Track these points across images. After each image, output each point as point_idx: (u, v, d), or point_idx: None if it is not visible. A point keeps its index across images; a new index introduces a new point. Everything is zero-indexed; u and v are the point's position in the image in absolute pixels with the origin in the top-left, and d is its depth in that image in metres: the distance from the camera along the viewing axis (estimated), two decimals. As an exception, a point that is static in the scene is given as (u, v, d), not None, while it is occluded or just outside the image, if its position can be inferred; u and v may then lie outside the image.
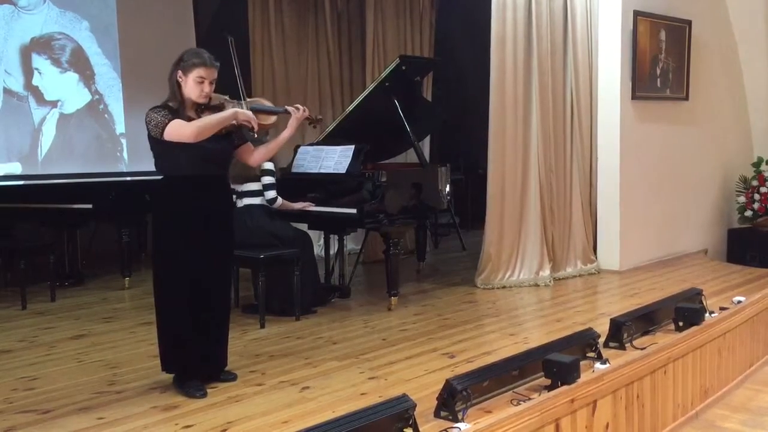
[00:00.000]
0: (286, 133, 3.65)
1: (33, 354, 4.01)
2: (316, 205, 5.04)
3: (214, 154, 3.34)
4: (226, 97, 3.48)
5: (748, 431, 3.59)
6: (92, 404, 3.22)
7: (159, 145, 3.27)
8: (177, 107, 3.28)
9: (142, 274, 6.09)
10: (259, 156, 3.68)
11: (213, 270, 3.41)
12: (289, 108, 3.68)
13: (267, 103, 3.72)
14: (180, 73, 3.28)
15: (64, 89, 6.19)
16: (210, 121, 3.28)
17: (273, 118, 3.64)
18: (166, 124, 3.20)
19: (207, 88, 3.31)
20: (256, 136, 3.51)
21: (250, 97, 3.60)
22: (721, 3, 7.05)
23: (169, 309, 3.36)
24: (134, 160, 6.37)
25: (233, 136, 3.49)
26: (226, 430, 2.92)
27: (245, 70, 6.63)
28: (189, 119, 3.29)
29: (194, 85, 3.28)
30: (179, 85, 3.29)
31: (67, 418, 3.07)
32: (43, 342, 4.26)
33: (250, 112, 3.41)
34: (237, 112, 3.36)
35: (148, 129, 3.26)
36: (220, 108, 3.41)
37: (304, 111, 3.69)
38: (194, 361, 3.36)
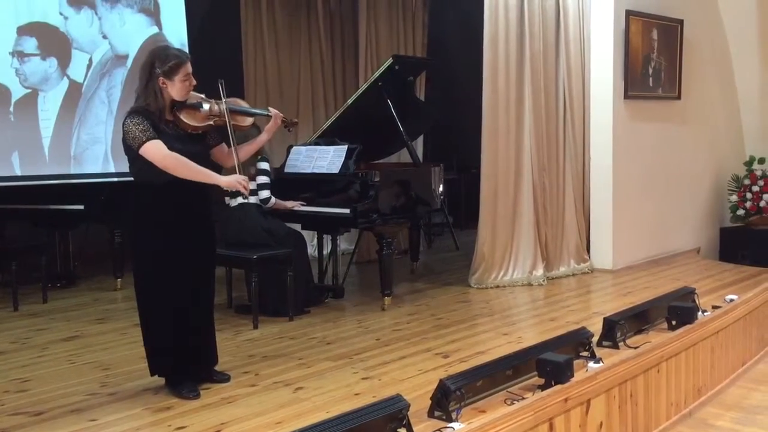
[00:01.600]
0: (264, 137, 3.65)
1: (25, 356, 3.99)
2: (310, 205, 5.04)
3: (192, 158, 3.26)
4: (203, 96, 3.42)
5: (741, 429, 3.60)
6: (84, 406, 3.21)
7: (134, 152, 3.19)
8: (156, 110, 3.22)
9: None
10: (234, 158, 3.60)
11: (194, 272, 3.35)
12: (272, 110, 3.66)
13: (244, 104, 3.68)
14: (162, 79, 3.20)
15: (55, 89, 6.14)
16: (192, 168, 3.21)
17: (250, 120, 3.61)
18: (143, 143, 3.13)
19: (193, 81, 3.29)
20: (248, 198, 3.46)
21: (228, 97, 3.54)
22: (712, 2, 7.08)
23: (152, 313, 3.33)
24: (120, 161, 6.31)
25: (209, 137, 3.45)
26: (219, 431, 2.91)
27: (238, 72, 6.66)
28: (168, 122, 3.25)
29: (182, 86, 3.24)
30: (161, 90, 3.23)
31: (60, 419, 3.05)
32: (36, 343, 4.24)
33: (234, 180, 3.35)
34: (221, 180, 3.33)
35: (124, 136, 3.19)
36: (197, 107, 3.35)
37: (278, 114, 3.67)
38: (181, 363, 3.35)
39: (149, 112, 3.20)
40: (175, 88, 3.23)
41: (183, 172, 3.20)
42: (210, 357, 3.53)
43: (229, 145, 3.52)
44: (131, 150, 3.20)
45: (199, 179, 3.26)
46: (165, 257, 3.26)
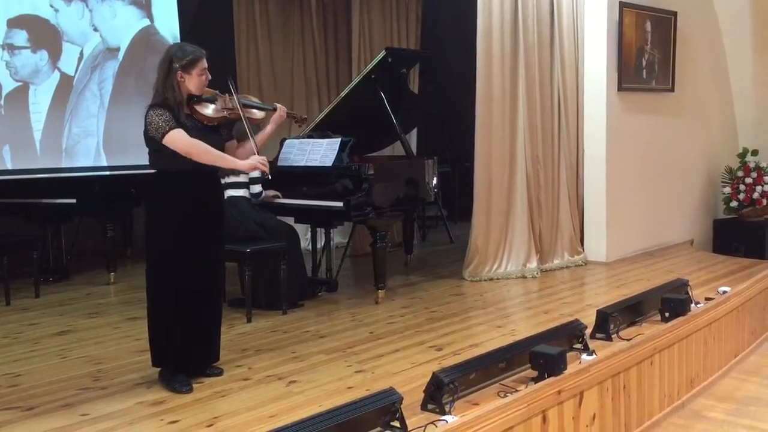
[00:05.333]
0: (268, 129, 3.71)
1: (17, 350, 3.97)
2: (303, 199, 5.03)
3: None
4: (217, 92, 3.53)
5: (734, 420, 3.62)
6: (76, 400, 3.19)
7: (156, 142, 3.28)
8: (174, 104, 3.30)
9: (127, 269, 6.05)
10: (243, 152, 3.69)
11: (208, 263, 3.43)
12: (277, 105, 3.76)
13: (255, 100, 3.81)
14: (180, 73, 3.30)
15: (46, 82, 6.11)
16: (213, 153, 3.33)
17: (262, 114, 3.72)
18: (167, 132, 3.23)
19: (208, 75, 3.40)
20: (270, 178, 3.62)
21: (238, 94, 3.65)
22: (706, -6, 7.08)
23: (164, 303, 3.34)
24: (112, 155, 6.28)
25: (222, 131, 3.54)
26: (212, 425, 2.90)
27: (231, 64, 6.62)
28: (186, 116, 3.34)
29: (199, 79, 3.36)
30: (179, 84, 3.31)
31: (51, 414, 3.04)
32: (27, 338, 4.22)
33: (255, 161, 3.48)
34: (242, 164, 3.46)
35: (146, 128, 3.27)
36: (211, 100, 3.47)
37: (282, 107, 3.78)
38: (188, 356, 3.36)
39: (169, 106, 3.28)
40: (193, 82, 3.34)
41: (206, 158, 3.30)
42: (214, 352, 3.54)
43: (239, 141, 3.67)
44: (153, 141, 3.28)
45: (220, 164, 3.40)
46: (182, 249, 3.31)
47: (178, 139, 3.24)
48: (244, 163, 3.48)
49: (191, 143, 3.26)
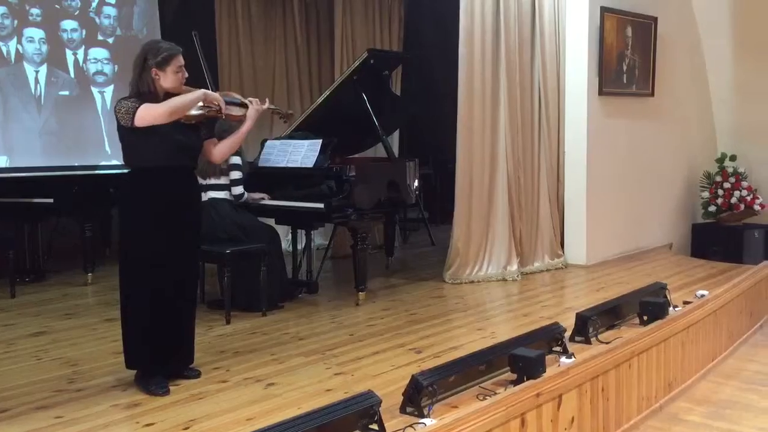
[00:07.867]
0: (245, 127, 3.67)
1: (-9, 352, 3.92)
2: (284, 200, 5.00)
3: (186, 145, 3.35)
4: (193, 89, 3.47)
5: (711, 423, 3.64)
6: (51, 403, 3.15)
7: (131, 136, 3.23)
8: (150, 100, 3.25)
9: (105, 269, 5.97)
10: (222, 151, 3.68)
11: (182, 263, 3.39)
12: (252, 100, 3.72)
13: (237, 96, 3.76)
14: (155, 70, 3.26)
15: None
16: (181, 100, 3.27)
17: (242, 112, 3.67)
18: (137, 108, 3.18)
19: (185, 73, 3.37)
20: (223, 117, 3.53)
21: (218, 90, 3.63)
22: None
23: (137, 303, 3.30)
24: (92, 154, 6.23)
25: (202, 129, 3.50)
26: (188, 427, 2.87)
27: (212, 63, 6.58)
28: None
29: (174, 76, 3.32)
30: (154, 81, 3.28)
31: (25, 416, 3.00)
32: (2, 339, 4.15)
33: (217, 94, 3.47)
34: (206, 92, 3.39)
35: (117, 119, 3.22)
36: None
37: (264, 104, 3.74)
38: (162, 357, 3.32)
39: (143, 101, 3.24)
40: (168, 79, 3.30)
41: (182, 110, 3.25)
42: (188, 353, 3.50)
43: (219, 139, 3.67)
44: (130, 133, 3.22)
45: (193, 103, 3.31)
46: (156, 247, 3.26)
47: (150, 110, 3.16)
48: (212, 93, 3.42)
49: (164, 105, 3.19)
